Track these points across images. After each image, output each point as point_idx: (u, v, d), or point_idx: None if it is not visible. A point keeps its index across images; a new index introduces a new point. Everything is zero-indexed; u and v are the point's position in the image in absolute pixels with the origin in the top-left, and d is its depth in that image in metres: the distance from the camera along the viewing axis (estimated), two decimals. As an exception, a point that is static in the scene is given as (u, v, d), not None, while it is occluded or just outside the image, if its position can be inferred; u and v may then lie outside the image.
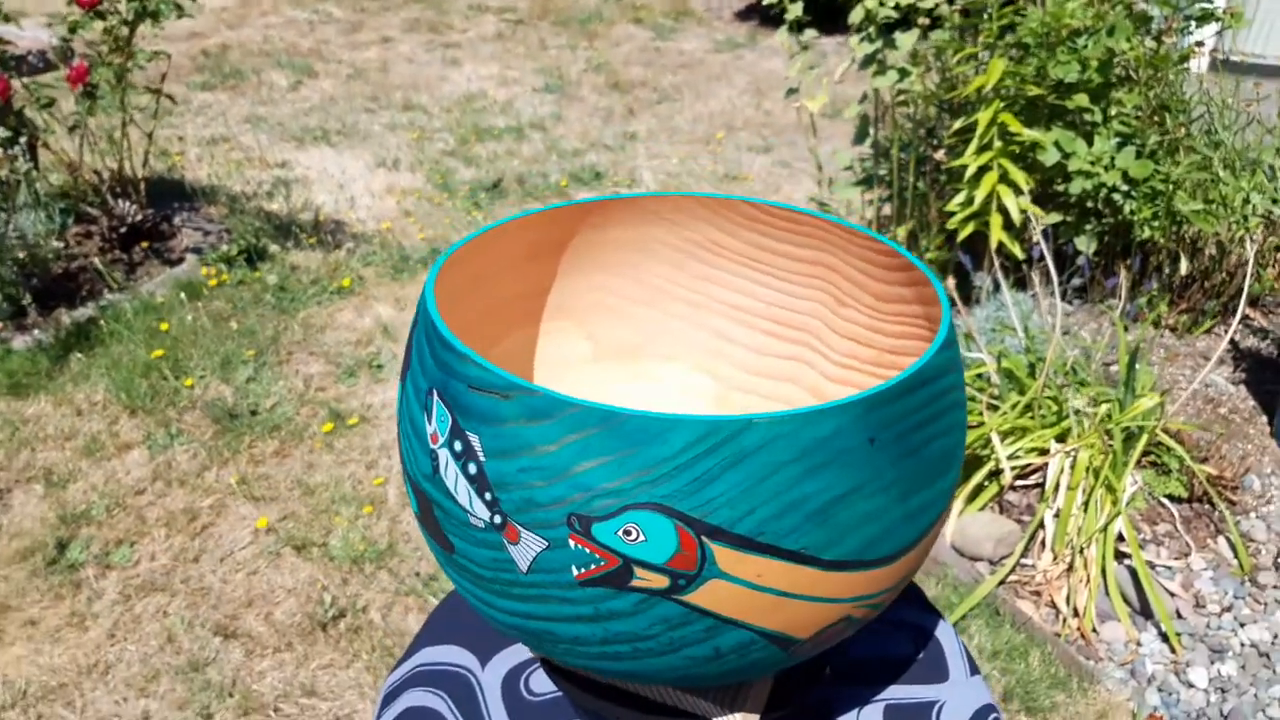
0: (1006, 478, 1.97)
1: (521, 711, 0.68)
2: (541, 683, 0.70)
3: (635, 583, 0.48)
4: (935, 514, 0.54)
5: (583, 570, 0.48)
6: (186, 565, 1.94)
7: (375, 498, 2.12)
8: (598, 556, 0.48)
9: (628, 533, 0.47)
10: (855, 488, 0.47)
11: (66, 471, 2.17)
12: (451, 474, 0.51)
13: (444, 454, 0.51)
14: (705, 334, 0.78)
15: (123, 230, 2.97)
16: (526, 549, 0.49)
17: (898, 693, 0.70)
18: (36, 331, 2.60)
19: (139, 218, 3.00)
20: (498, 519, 0.49)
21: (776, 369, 0.76)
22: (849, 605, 0.51)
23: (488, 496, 0.49)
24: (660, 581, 0.47)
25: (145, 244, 3.02)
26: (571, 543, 0.48)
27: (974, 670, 0.73)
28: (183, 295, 2.80)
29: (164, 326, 2.64)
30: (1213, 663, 1.75)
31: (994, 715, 0.69)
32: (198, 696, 1.67)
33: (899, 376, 0.48)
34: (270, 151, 4.05)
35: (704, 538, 0.46)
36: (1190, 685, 1.72)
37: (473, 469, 0.49)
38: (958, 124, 2.58)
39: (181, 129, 4.17)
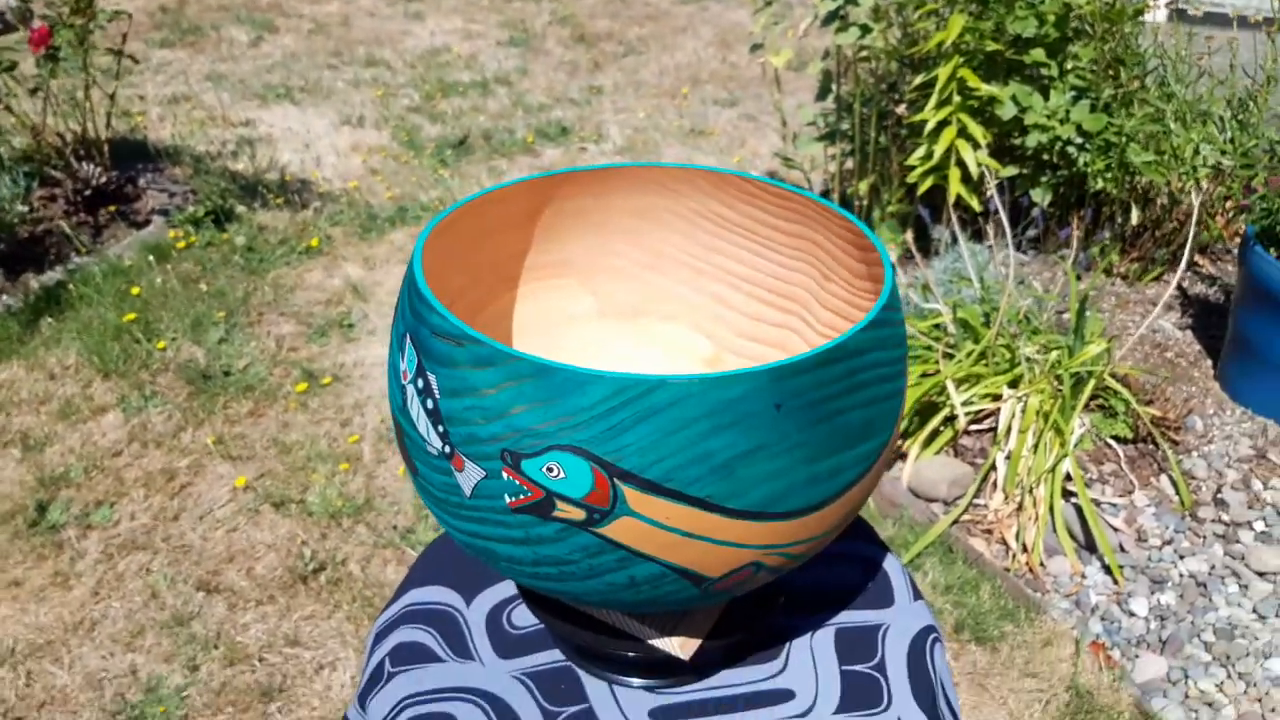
0: (961, 423, 2.05)
1: (505, 643, 0.74)
2: (523, 616, 0.76)
3: (557, 513, 0.54)
4: (852, 476, 0.58)
5: (513, 499, 0.55)
6: (166, 524, 1.99)
7: (351, 455, 2.17)
8: (525, 488, 0.54)
9: (550, 469, 0.53)
10: (759, 447, 0.53)
11: (43, 435, 2.19)
12: (415, 407, 0.58)
13: (410, 389, 0.58)
14: (706, 299, 0.82)
15: (87, 193, 2.96)
16: (469, 477, 0.56)
17: (847, 618, 0.77)
18: (5, 296, 2.60)
19: (103, 180, 2.99)
20: (448, 449, 0.56)
21: (768, 335, 0.82)
22: (757, 552, 0.57)
23: (440, 429, 0.56)
24: (578, 514, 0.54)
25: (112, 208, 3.01)
26: (504, 474, 0.54)
27: (917, 596, 0.80)
28: (151, 258, 2.81)
29: (135, 291, 2.65)
30: (1153, 593, 1.86)
31: (934, 635, 0.77)
32: (183, 649, 1.72)
33: (809, 352, 0.53)
34: (233, 110, 4.02)
35: (616, 480, 0.52)
36: (1131, 614, 1.82)
37: (430, 404, 0.56)
38: (918, 79, 2.63)
39: (142, 88, 4.12)
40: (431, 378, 0.56)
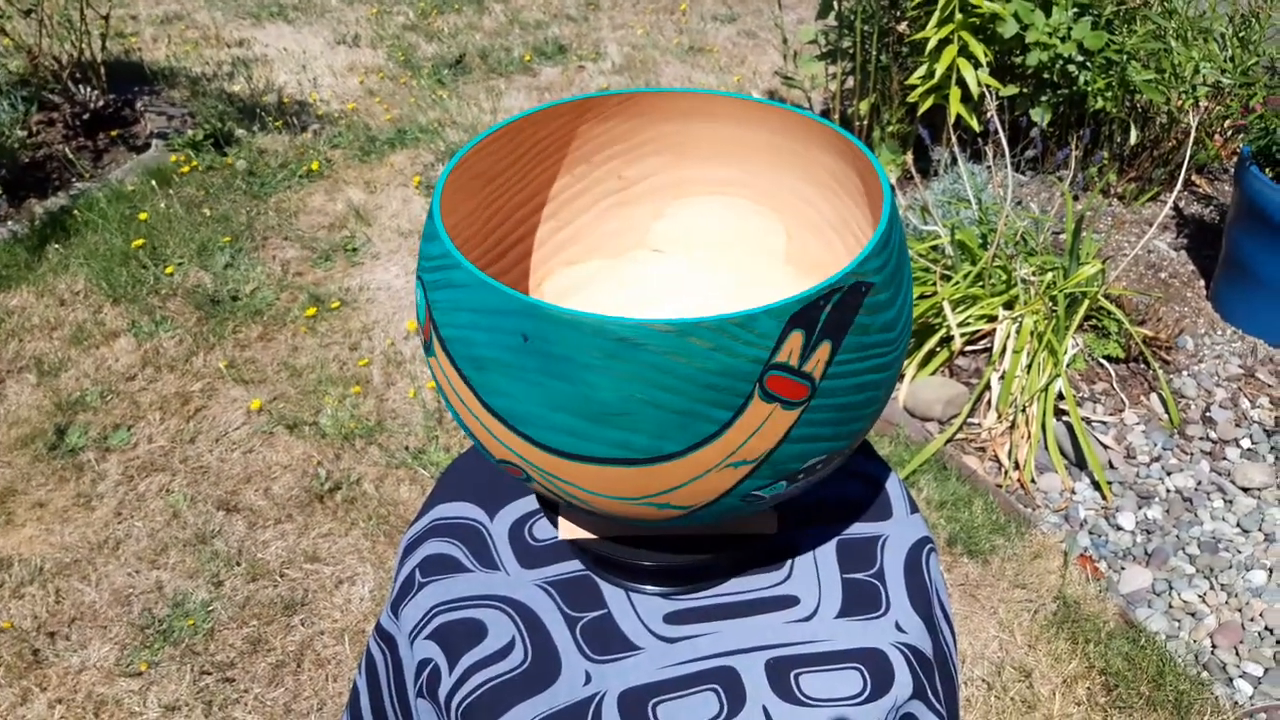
0: (957, 344, 2.09)
1: (528, 554, 0.79)
2: (544, 529, 0.81)
3: (420, 331, 0.67)
4: (603, 452, 0.59)
5: (420, 324, 0.68)
6: (184, 446, 2.04)
7: (361, 378, 2.21)
8: (417, 301, 0.69)
9: (422, 295, 0.65)
10: (503, 363, 0.58)
11: (57, 360, 2.24)
12: None
13: None
14: None
15: (85, 117, 2.96)
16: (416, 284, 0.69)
17: (848, 530, 0.82)
18: (10, 223, 2.62)
19: (101, 103, 2.98)
20: None
21: None
22: (517, 458, 0.63)
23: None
24: (425, 336, 0.66)
25: (112, 131, 3.00)
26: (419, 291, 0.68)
27: (913, 510, 0.85)
28: (153, 182, 2.81)
29: (143, 217, 2.67)
30: (1140, 508, 1.92)
31: (929, 545, 0.82)
32: (207, 566, 1.79)
33: (559, 308, 0.55)
34: (227, 29, 3.97)
35: (431, 323, 0.64)
36: (1119, 528, 1.89)
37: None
38: (919, -4, 2.61)
39: (133, 7, 4.06)
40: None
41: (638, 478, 0.60)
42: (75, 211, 2.66)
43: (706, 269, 0.87)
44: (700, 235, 0.86)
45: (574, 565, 0.78)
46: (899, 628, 0.74)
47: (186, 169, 2.92)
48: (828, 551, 0.80)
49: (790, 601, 0.76)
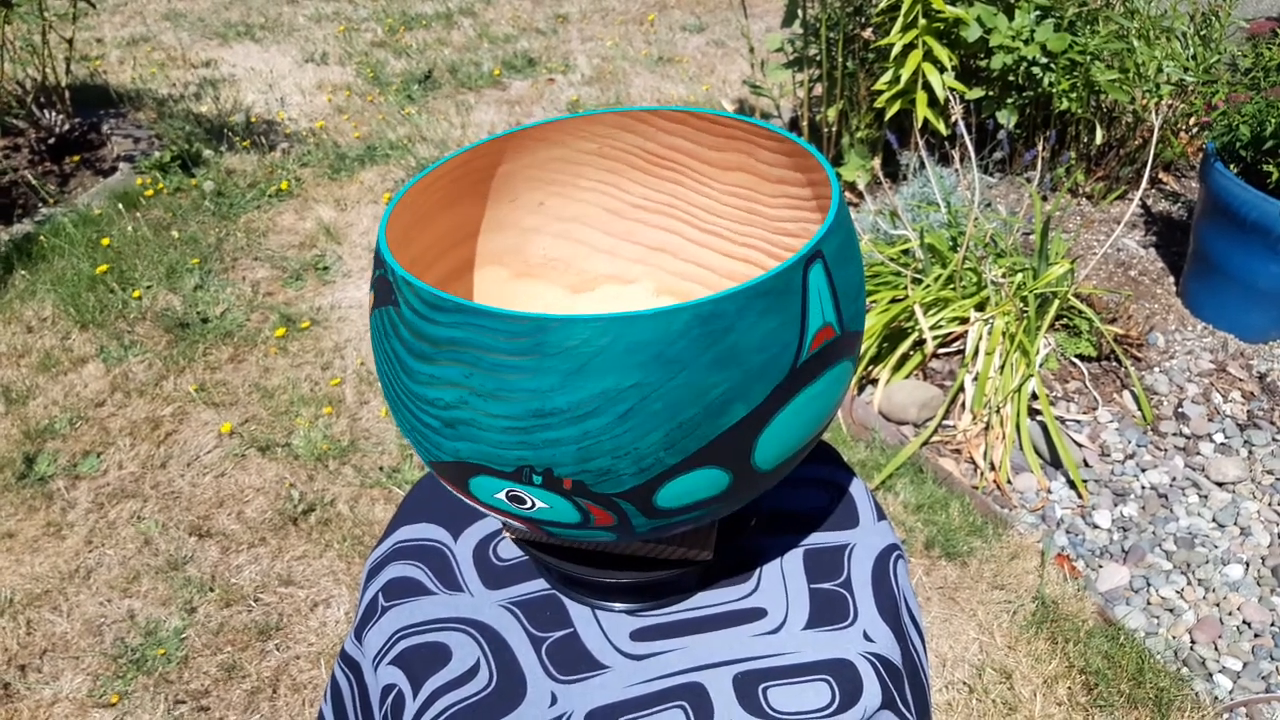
0: (929, 347, 2.10)
1: (492, 574, 0.78)
2: (509, 549, 0.80)
3: None
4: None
5: None
6: (155, 471, 2.02)
7: (333, 398, 2.20)
8: None
9: None
10: None
11: (24, 388, 2.21)
12: None
13: None
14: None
15: (51, 142, 2.93)
16: None
17: (815, 539, 0.81)
18: (-26, 250, 2.59)
19: (66, 128, 2.95)
20: None
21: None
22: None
23: None
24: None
25: (76, 157, 2.97)
26: None
27: (880, 516, 0.84)
28: (120, 206, 2.79)
29: (105, 242, 2.64)
30: (1116, 505, 1.93)
31: (896, 552, 0.81)
32: (180, 593, 1.77)
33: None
34: (193, 50, 3.95)
35: None
36: (1095, 526, 1.90)
37: None
38: (884, 2, 2.62)
39: (99, 30, 4.03)
40: None
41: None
42: (41, 237, 2.63)
43: None
44: None
45: (539, 584, 0.77)
46: (867, 637, 0.73)
47: (153, 191, 2.89)
48: (795, 561, 0.79)
49: (758, 614, 0.75)
